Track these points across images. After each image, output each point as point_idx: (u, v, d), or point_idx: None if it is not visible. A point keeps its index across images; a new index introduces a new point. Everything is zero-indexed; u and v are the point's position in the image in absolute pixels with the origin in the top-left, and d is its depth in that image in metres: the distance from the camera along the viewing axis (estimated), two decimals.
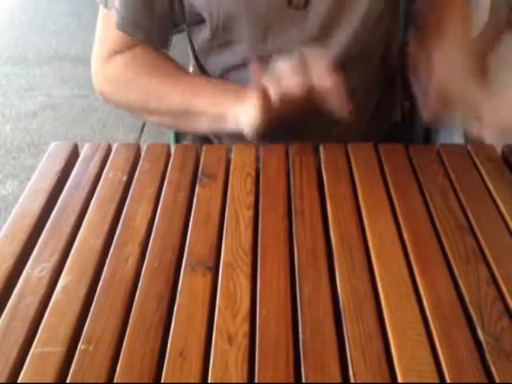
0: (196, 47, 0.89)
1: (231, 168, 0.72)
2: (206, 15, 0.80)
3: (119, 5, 0.79)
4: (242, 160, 0.73)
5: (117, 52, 0.83)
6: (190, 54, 0.93)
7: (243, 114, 0.74)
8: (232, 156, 0.74)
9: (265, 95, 0.69)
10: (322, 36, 0.79)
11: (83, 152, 0.77)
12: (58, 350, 0.51)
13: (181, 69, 0.85)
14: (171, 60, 0.85)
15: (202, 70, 0.91)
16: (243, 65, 0.82)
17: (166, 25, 0.84)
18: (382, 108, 0.96)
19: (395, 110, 1.01)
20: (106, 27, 0.83)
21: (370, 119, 0.94)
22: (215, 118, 0.78)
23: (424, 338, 0.51)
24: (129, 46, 0.83)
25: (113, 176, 0.72)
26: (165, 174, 0.72)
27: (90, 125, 2.29)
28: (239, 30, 0.79)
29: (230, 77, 0.86)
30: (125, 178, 0.71)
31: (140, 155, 0.76)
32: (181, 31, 0.89)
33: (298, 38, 0.79)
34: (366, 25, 0.80)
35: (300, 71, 0.66)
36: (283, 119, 0.71)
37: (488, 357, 0.49)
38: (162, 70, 0.83)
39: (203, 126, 0.80)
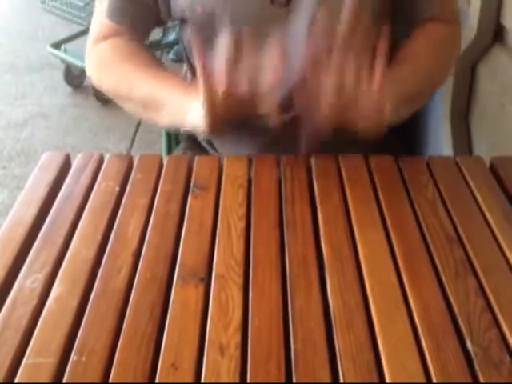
0: (185, 44, 0.92)
1: (223, 179, 0.73)
2: (188, 13, 0.81)
3: None
4: (233, 171, 0.74)
5: (103, 38, 0.87)
6: (183, 52, 0.96)
7: (192, 111, 0.72)
8: (224, 167, 0.75)
9: (211, 91, 0.67)
10: (308, 33, 0.77)
11: (75, 162, 0.77)
12: (51, 360, 0.51)
13: (156, 61, 0.87)
14: (150, 52, 0.89)
15: (191, 67, 0.92)
16: None
17: (150, 17, 0.88)
18: None
19: None
20: (99, 10, 0.87)
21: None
22: (173, 113, 0.77)
23: (414, 348, 0.51)
24: (113, 34, 0.86)
25: (105, 187, 0.72)
26: (157, 185, 0.72)
27: (80, 134, 2.28)
28: (222, 28, 0.80)
29: None
30: (117, 188, 0.72)
31: (132, 166, 0.76)
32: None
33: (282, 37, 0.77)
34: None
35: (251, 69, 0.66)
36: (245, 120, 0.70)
37: (477, 367, 0.50)
38: (139, 59, 0.85)
39: (164, 119, 0.80)
